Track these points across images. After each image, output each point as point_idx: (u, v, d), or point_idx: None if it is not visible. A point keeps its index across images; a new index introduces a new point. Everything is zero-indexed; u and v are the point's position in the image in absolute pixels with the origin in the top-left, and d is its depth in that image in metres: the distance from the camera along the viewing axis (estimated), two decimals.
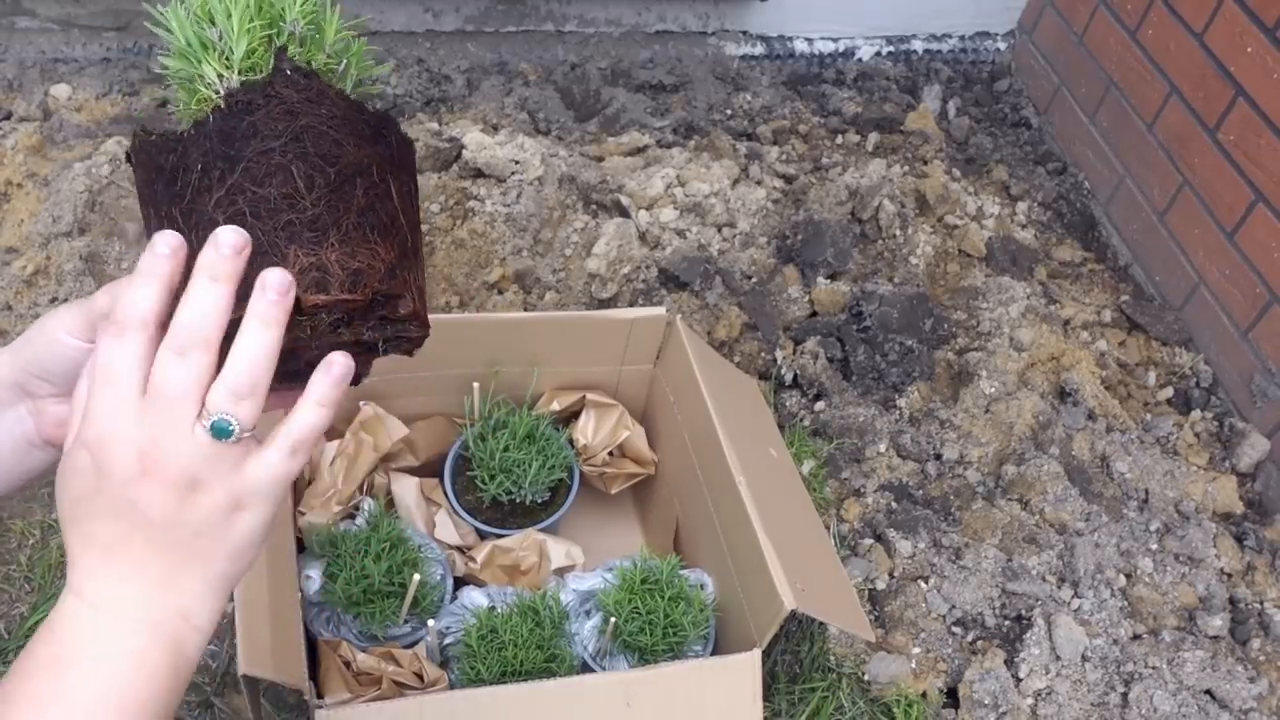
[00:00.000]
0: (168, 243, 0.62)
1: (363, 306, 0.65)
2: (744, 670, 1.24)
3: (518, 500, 1.48)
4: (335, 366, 0.64)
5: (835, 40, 2.47)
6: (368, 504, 1.40)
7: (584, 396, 1.56)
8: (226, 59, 0.66)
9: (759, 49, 2.42)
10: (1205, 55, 1.96)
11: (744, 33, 2.42)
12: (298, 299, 0.63)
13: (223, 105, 0.65)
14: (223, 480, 0.62)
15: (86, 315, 0.68)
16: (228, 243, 0.60)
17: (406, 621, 1.34)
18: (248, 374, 0.61)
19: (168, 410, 0.61)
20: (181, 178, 0.65)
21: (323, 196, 0.64)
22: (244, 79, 0.66)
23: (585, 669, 1.35)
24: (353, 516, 1.40)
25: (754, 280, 1.93)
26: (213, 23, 0.67)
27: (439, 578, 1.38)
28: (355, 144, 0.66)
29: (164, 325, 0.61)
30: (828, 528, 1.63)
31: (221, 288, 0.60)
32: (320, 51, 0.69)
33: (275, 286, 0.61)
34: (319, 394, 0.64)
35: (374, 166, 0.67)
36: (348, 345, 0.67)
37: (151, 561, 0.63)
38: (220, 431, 0.61)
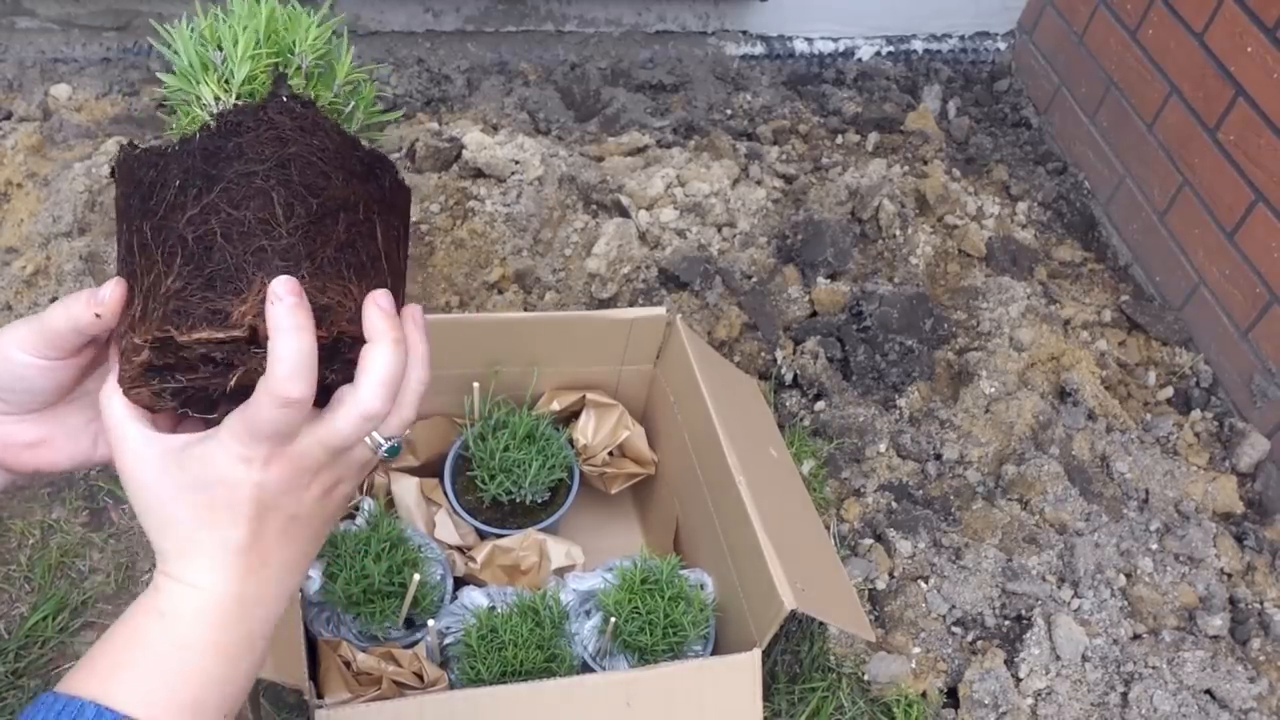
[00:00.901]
0: (291, 291, 0.62)
1: (326, 345, 0.63)
2: (744, 670, 1.24)
3: (518, 500, 1.48)
4: (416, 314, 0.71)
5: (835, 40, 2.47)
6: (367, 504, 1.40)
7: (584, 396, 1.56)
8: (226, 82, 0.65)
9: (759, 49, 2.42)
10: (1205, 55, 1.96)
11: (744, 32, 2.42)
12: (253, 328, 0.62)
13: (212, 125, 0.64)
14: (354, 479, 0.69)
15: (41, 333, 0.67)
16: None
17: (406, 621, 1.34)
18: (412, 409, 0.68)
19: (334, 453, 0.66)
20: (158, 193, 0.63)
21: (300, 226, 0.63)
22: (239, 102, 0.65)
23: (585, 669, 1.35)
24: (352, 516, 1.40)
25: (754, 280, 1.93)
26: (219, 47, 0.66)
27: (439, 578, 1.38)
28: (344, 179, 0.65)
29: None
30: (828, 528, 1.63)
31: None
32: (328, 90, 0.69)
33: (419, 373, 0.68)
34: (415, 398, 0.70)
35: (361, 204, 0.66)
36: None
37: (281, 553, 0.67)
38: (393, 452, 0.68)
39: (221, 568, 0.65)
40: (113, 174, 0.68)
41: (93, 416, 0.73)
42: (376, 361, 0.64)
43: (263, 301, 0.61)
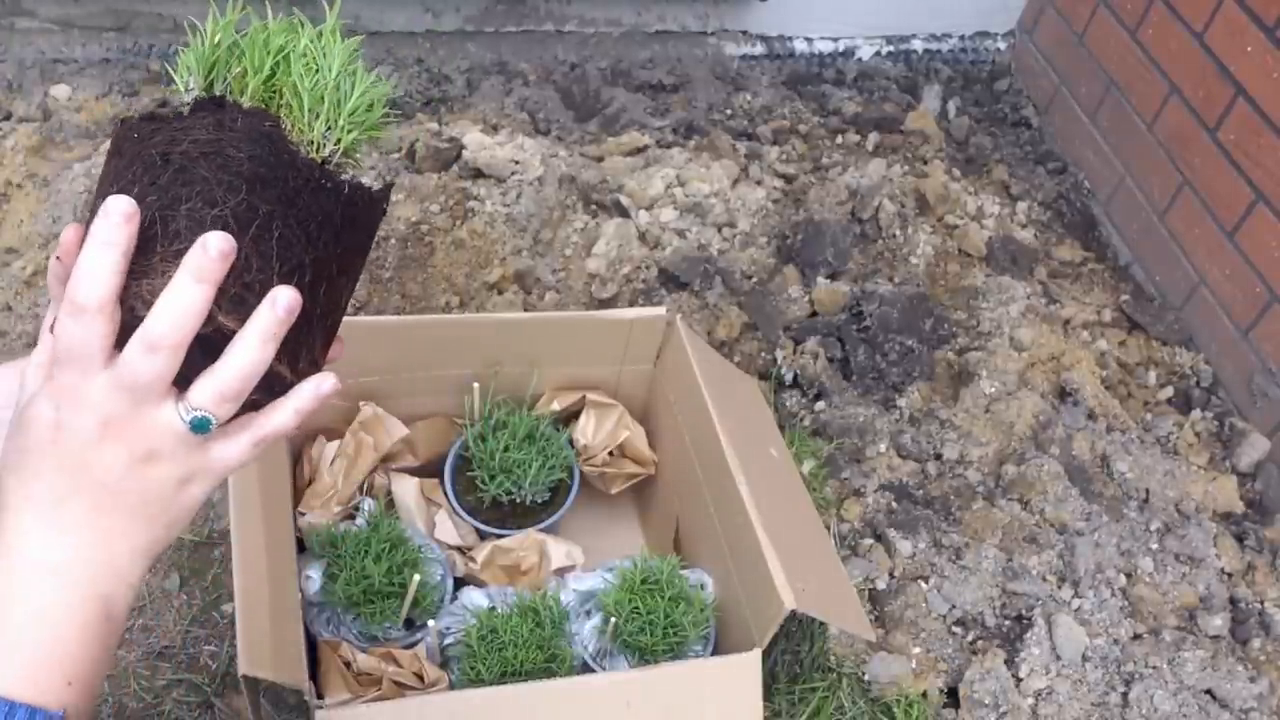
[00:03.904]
0: (121, 210, 0.61)
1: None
2: (744, 670, 1.24)
3: (518, 500, 1.48)
4: (326, 384, 0.67)
5: (835, 40, 2.47)
6: (368, 504, 1.40)
7: (584, 396, 1.55)
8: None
9: (759, 49, 2.42)
10: (1205, 55, 1.96)
11: (744, 32, 2.42)
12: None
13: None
14: (182, 458, 0.65)
15: (20, 380, 0.68)
16: (215, 248, 0.60)
17: (406, 622, 1.34)
18: (238, 382, 0.63)
19: (134, 396, 0.62)
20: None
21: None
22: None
23: (585, 669, 1.35)
24: (353, 517, 1.40)
25: (754, 280, 1.93)
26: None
27: (439, 578, 1.38)
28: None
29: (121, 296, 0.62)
30: (828, 528, 1.63)
31: (203, 289, 0.60)
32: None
33: (284, 305, 0.62)
34: (303, 403, 0.67)
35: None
36: None
37: (93, 522, 0.65)
38: (199, 427, 0.63)
39: (31, 526, 0.64)
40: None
41: None
42: (170, 289, 0.60)
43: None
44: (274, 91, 0.69)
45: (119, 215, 0.60)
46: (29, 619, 0.63)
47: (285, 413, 0.67)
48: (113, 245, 0.60)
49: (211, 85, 0.69)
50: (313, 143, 0.68)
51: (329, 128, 0.69)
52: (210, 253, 0.60)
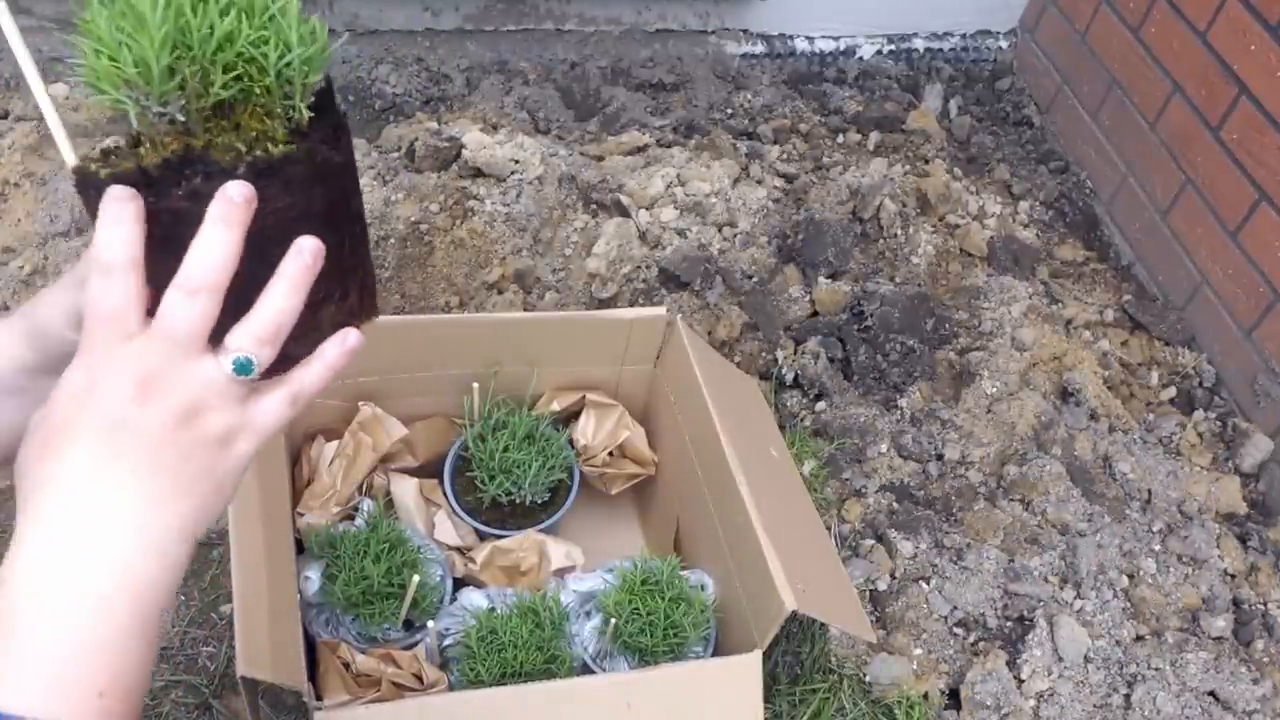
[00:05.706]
0: (124, 192, 0.65)
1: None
2: (745, 671, 1.23)
3: (518, 501, 1.47)
4: (350, 338, 0.68)
5: (836, 39, 2.46)
6: (367, 505, 1.39)
7: (584, 396, 1.55)
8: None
9: (759, 48, 2.41)
10: (1208, 53, 1.95)
11: (744, 31, 2.41)
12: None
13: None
14: (223, 413, 0.64)
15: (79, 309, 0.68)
16: (238, 193, 0.61)
17: (405, 623, 1.33)
18: (273, 323, 0.63)
19: (175, 346, 0.62)
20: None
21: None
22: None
23: (585, 670, 1.35)
24: (352, 517, 1.40)
25: (755, 280, 1.92)
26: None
27: (438, 579, 1.38)
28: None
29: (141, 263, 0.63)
30: (829, 528, 1.63)
31: (233, 233, 0.61)
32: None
33: (310, 251, 0.64)
34: (330, 359, 0.68)
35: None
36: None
37: (133, 490, 0.61)
38: (242, 368, 0.63)
39: (74, 490, 0.61)
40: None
41: None
42: (201, 239, 0.61)
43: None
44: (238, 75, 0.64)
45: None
46: (50, 621, 0.57)
47: (317, 369, 0.67)
48: (120, 220, 0.64)
49: (166, 98, 0.65)
50: (296, 109, 0.65)
51: (291, 84, 0.65)
52: (236, 199, 0.61)
